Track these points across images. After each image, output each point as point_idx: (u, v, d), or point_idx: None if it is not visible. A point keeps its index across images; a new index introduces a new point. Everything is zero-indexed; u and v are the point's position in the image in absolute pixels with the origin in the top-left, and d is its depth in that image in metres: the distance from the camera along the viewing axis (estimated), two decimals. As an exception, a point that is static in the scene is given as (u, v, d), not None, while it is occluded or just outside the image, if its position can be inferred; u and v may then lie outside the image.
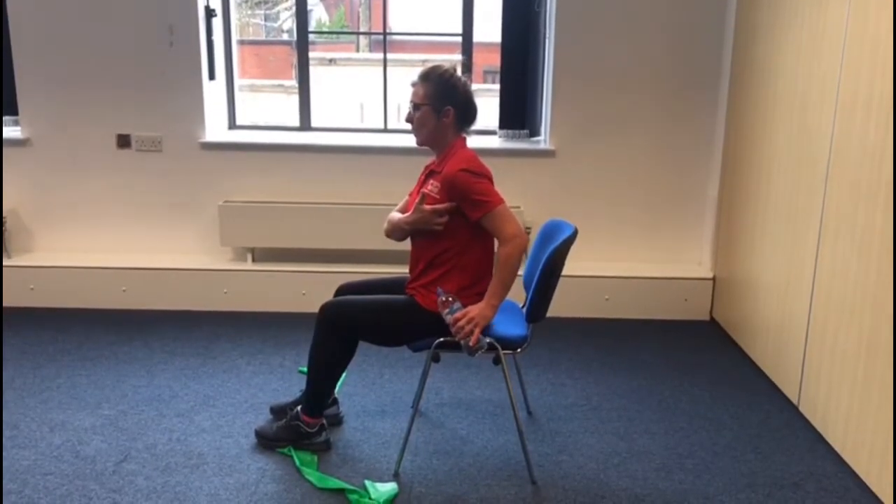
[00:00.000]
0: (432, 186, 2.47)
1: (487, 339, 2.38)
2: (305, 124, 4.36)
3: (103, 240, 4.25)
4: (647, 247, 4.25)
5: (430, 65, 2.47)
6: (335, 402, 2.86)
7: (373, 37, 8.30)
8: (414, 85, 2.47)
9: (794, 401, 3.05)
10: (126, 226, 4.23)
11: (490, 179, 2.44)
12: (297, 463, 2.53)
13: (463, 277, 2.46)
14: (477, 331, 2.33)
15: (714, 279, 4.05)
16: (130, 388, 3.12)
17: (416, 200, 2.48)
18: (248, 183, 4.17)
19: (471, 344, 2.32)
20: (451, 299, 2.36)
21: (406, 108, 2.53)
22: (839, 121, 2.70)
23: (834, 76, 2.75)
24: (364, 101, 8.19)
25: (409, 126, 2.53)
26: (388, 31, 4.48)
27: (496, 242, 2.44)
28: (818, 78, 2.88)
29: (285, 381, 3.22)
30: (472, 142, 4.00)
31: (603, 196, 4.18)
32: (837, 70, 2.73)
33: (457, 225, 2.42)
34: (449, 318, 2.34)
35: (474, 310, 2.34)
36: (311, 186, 4.17)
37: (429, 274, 2.49)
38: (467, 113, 2.49)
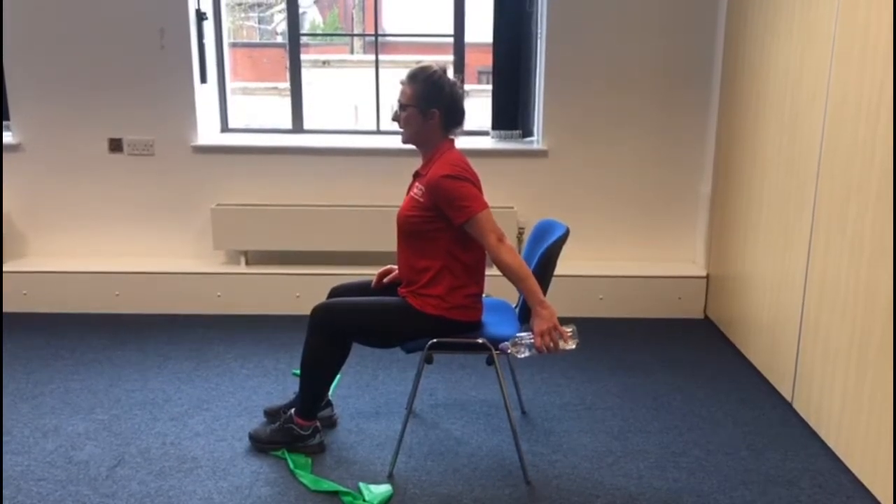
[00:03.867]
0: (417, 189, 2.47)
1: (569, 328, 2.33)
2: (298, 126, 4.36)
3: (96, 244, 4.25)
4: (640, 246, 4.26)
5: (418, 65, 2.47)
6: (329, 404, 2.85)
7: (367, 38, 8.29)
8: (402, 84, 2.47)
9: (788, 398, 3.05)
10: (119, 230, 4.23)
11: (475, 184, 2.42)
12: (291, 466, 2.53)
13: (454, 279, 2.45)
14: (556, 333, 2.29)
15: (708, 277, 4.05)
16: (124, 392, 3.11)
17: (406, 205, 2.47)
18: (240, 186, 4.16)
19: (567, 348, 2.31)
20: (514, 343, 2.33)
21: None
22: (830, 118, 2.71)
23: (824, 73, 2.76)
24: (358, 102, 8.19)
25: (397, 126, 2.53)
26: (380, 32, 4.48)
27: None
28: (808, 75, 2.88)
29: (279, 383, 3.22)
30: (465, 143, 4.02)
31: (596, 195, 4.19)
32: (827, 67, 2.73)
33: (443, 227, 2.41)
34: (534, 352, 2.32)
35: (539, 322, 2.30)
36: (304, 189, 4.16)
37: (419, 278, 2.48)
38: (454, 115, 2.47)
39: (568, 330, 2.32)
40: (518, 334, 2.36)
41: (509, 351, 2.35)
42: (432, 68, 2.45)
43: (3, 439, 2.71)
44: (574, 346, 2.33)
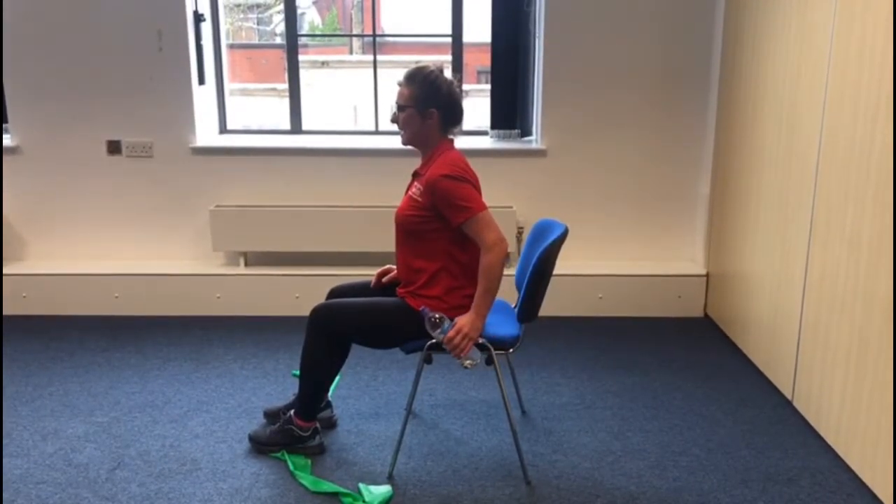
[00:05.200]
0: (415, 189, 2.47)
1: (478, 353, 2.36)
2: (296, 127, 4.36)
3: (95, 246, 4.24)
4: (640, 244, 4.25)
5: (415, 66, 2.47)
6: (329, 405, 2.85)
7: (365, 39, 8.29)
8: (399, 85, 2.47)
9: (788, 396, 3.05)
10: (118, 232, 4.22)
11: (474, 184, 2.42)
12: (291, 467, 2.53)
13: (452, 279, 2.45)
14: (466, 342, 2.32)
15: (707, 276, 4.05)
16: (123, 394, 3.11)
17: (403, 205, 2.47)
18: (239, 187, 4.16)
19: (463, 361, 2.33)
20: (438, 318, 2.33)
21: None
22: (828, 117, 2.70)
23: (822, 72, 2.76)
24: (357, 103, 8.19)
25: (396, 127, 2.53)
26: (378, 33, 4.48)
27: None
28: (806, 74, 2.88)
29: (279, 384, 3.22)
30: (464, 142, 4.01)
31: (595, 195, 4.18)
32: (825, 66, 2.73)
33: (441, 227, 2.41)
34: (441, 338, 2.33)
35: (466, 324, 2.32)
36: (303, 189, 4.16)
37: (417, 278, 2.48)
38: (452, 115, 2.47)
39: (476, 354, 2.35)
40: (445, 316, 2.35)
41: (428, 317, 2.34)
42: (429, 68, 2.44)
43: (3, 442, 2.71)
44: (467, 365, 2.34)
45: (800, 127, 2.93)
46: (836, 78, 2.65)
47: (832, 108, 2.67)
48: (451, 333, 2.31)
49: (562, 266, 2.59)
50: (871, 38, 2.41)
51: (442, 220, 2.39)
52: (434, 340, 2.39)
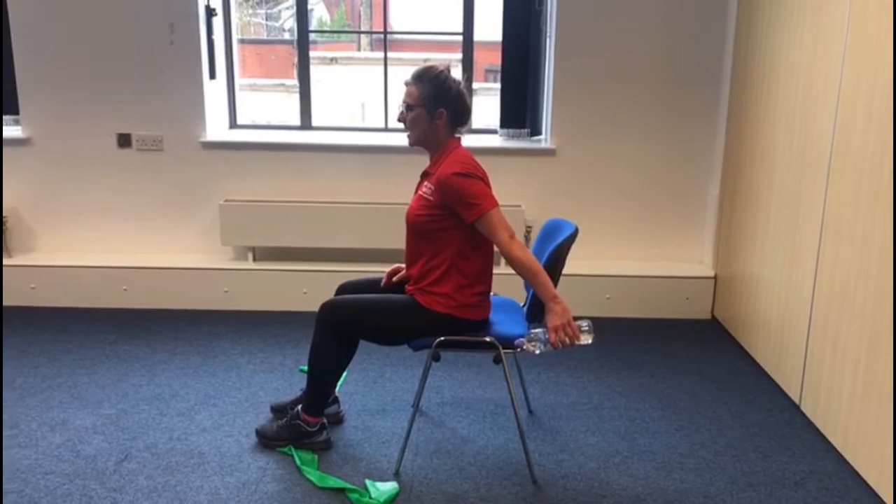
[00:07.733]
0: (426, 188, 2.47)
1: (584, 323, 2.32)
2: (306, 123, 4.36)
3: (104, 239, 4.26)
4: (648, 245, 4.25)
5: (423, 65, 2.47)
6: (336, 401, 2.86)
7: (374, 36, 8.29)
8: (407, 85, 2.46)
9: (796, 399, 3.04)
10: (127, 225, 4.24)
11: (484, 181, 2.42)
12: (298, 462, 2.53)
13: (462, 277, 2.44)
14: (570, 328, 2.28)
15: (715, 278, 4.04)
16: (131, 387, 3.12)
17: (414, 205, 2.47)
18: (248, 182, 4.17)
19: (581, 343, 2.30)
20: (529, 339, 2.32)
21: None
22: (840, 118, 2.69)
23: (835, 74, 2.75)
24: (365, 100, 8.18)
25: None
26: (388, 30, 4.48)
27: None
28: (819, 76, 2.87)
29: (286, 379, 3.22)
30: (474, 141, 4.01)
31: (604, 195, 4.18)
32: (838, 68, 2.72)
33: (453, 226, 2.41)
34: (549, 348, 2.31)
35: (553, 319, 2.29)
36: (312, 185, 4.17)
37: (427, 276, 2.47)
38: (460, 114, 2.47)
39: (583, 325, 2.32)
40: (533, 330, 2.35)
41: (525, 347, 2.34)
42: (438, 68, 2.44)
43: (12, 433, 2.72)
44: (589, 341, 2.32)
45: (812, 128, 2.92)
46: (850, 79, 2.63)
47: (845, 110, 2.66)
48: (552, 338, 2.28)
49: (570, 266, 2.59)
50: (886, 38, 2.40)
51: (454, 219, 2.39)
52: (441, 338, 2.39)
